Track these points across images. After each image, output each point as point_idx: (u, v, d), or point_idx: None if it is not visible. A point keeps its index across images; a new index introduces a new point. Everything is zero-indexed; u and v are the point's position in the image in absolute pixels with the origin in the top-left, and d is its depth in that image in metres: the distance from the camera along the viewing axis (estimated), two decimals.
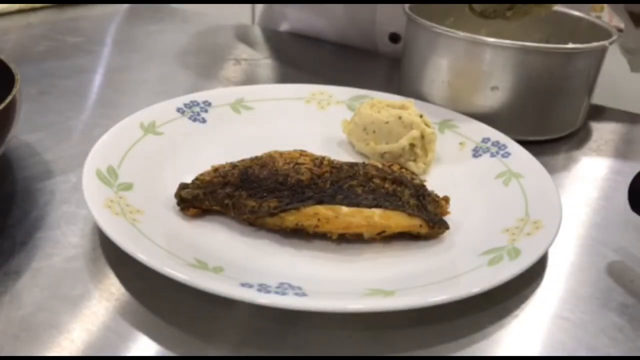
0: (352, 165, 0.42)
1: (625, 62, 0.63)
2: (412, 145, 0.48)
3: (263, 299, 0.31)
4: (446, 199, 0.42)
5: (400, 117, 0.48)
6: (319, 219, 0.37)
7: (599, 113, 0.65)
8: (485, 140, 0.50)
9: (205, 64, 0.74)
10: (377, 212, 0.38)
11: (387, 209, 0.38)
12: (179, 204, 0.40)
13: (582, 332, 0.34)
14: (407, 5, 0.59)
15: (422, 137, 0.48)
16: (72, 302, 0.33)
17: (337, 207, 0.38)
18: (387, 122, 0.48)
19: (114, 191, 0.39)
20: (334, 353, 0.32)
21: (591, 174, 0.53)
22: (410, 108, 0.49)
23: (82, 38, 0.79)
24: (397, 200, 0.39)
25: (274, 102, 0.52)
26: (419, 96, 0.57)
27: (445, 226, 0.40)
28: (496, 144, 0.50)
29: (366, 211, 0.38)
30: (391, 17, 0.77)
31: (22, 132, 0.51)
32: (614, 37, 0.55)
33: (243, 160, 0.42)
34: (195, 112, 0.52)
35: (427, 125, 0.48)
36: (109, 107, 0.59)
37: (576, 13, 0.63)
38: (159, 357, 0.30)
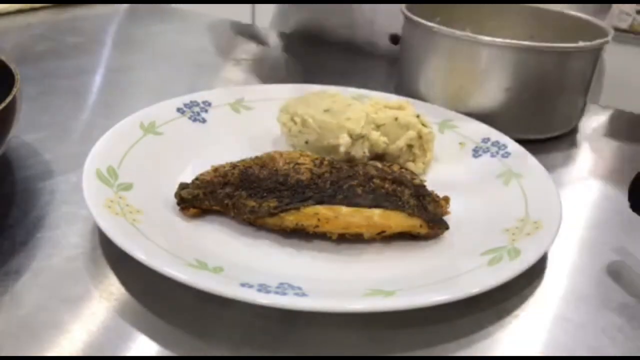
0: (352, 165, 0.42)
1: (626, 61, 0.63)
2: (409, 146, 0.48)
3: (263, 299, 0.31)
4: (446, 199, 0.42)
5: (396, 119, 0.47)
6: (319, 219, 0.37)
7: (599, 113, 0.65)
8: (485, 140, 0.50)
9: (205, 64, 0.74)
10: (377, 212, 0.38)
11: (387, 209, 0.38)
12: (179, 203, 0.40)
13: (582, 332, 0.34)
14: (404, 5, 0.59)
15: (420, 137, 0.48)
16: (72, 302, 0.33)
17: (337, 207, 0.38)
18: (383, 124, 0.48)
19: (114, 191, 0.39)
20: (334, 353, 0.32)
21: (591, 173, 0.53)
22: (408, 108, 0.49)
23: (82, 38, 0.79)
24: (397, 200, 0.39)
25: (274, 102, 0.52)
26: (416, 96, 0.57)
27: (445, 226, 0.40)
28: (496, 144, 0.50)
29: (366, 211, 0.38)
30: (391, 18, 0.77)
31: (22, 132, 0.51)
32: (610, 36, 0.55)
33: (243, 160, 0.42)
34: (195, 112, 0.52)
35: (424, 125, 0.48)
36: (109, 107, 0.59)
37: (573, 13, 0.63)
38: (159, 357, 0.30)
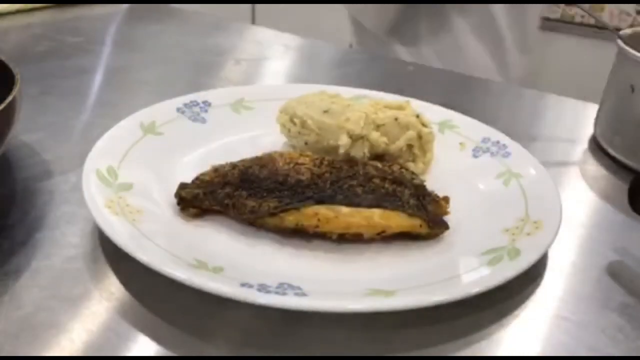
0: (352, 165, 0.42)
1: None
2: (409, 146, 0.48)
3: (263, 299, 0.31)
4: (446, 199, 0.42)
5: (396, 119, 0.47)
6: (319, 219, 0.37)
7: (597, 112, 0.65)
8: (485, 140, 0.50)
9: (205, 63, 0.74)
10: (377, 212, 0.38)
11: (387, 209, 0.38)
12: (179, 203, 0.40)
13: (582, 332, 0.34)
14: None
15: (420, 137, 0.47)
16: (72, 302, 0.33)
17: (337, 207, 0.38)
18: (383, 125, 0.48)
19: (114, 191, 0.39)
20: (334, 353, 0.32)
21: (591, 173, 0.53)
22: (407, 108, 0.49)
23: (82, 38, 0.79)
24: (397, 200, 0.39)
25: (274, 102, 0.52)
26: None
27: (445, 226, 0.39)
28: (496, 144, 0.50)
29: (366, 211, 0.38)
30: None
31: (22, 132, 0.51)
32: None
33: (243, 160, 0.42)
34: (195, 112, 0.52)
35: (424, 125, 0.48)
36: (109, 107, 0.59)
37: None
38: (159, 357, 0.30)
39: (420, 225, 0.38)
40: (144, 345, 0.31)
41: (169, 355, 0.31)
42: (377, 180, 0.40)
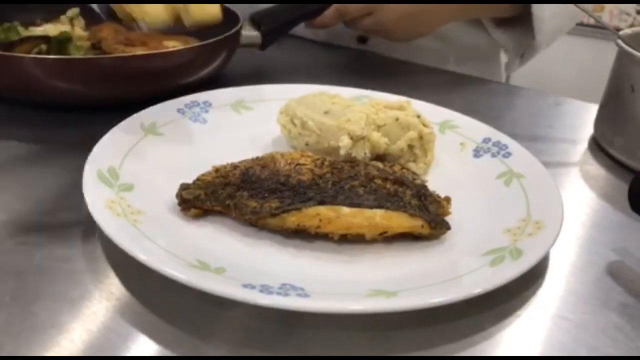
0: (353, 165, 0.42)
1: None
2: (410, 147, 0.48)
3: (266, 300, 0.31)
4: (447, 200, 0.42)
5: (397, 119, 0.47)
6: (320, 220, 0.37)
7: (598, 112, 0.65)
8: (486, 140, 0.50)
9: None
10: (378, 212, 0.38)
11: (389, 210, 0.38)
12: (180, 204, 0.40)
13: (583, 332, 0.34)
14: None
15: (421, 137, 0.48)
16: (72, 302, 0.33)
17: (339, 207, 0.38)
18: (384, 125, 0.48)
19: (115, 192, 0.39)
20: (334, 353, 0.32)
21: (591, 173, 0.53)
22: (408, 108, 0.49)
23: None
24: (399, 201, 0.39)
25: (274, 103, 0.52)
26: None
27: (446, 227, 0.39)
28: (497, 144, 0.50)
29: (368, 212, 0.38)
30: None
31: (22, 132, 0.51)
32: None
33: (244, 161, 0.42)
34: (196, 113, 0.52)
35: (424, 125, 0.48)
36: (109, 107, 0.58)
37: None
38: (159, 357, 0.30)
39: (422, 226, 0.38)
40: (144, 345, 0.31)
41: (169, 355, 0.31)
42: (378, 181, 0.40)
